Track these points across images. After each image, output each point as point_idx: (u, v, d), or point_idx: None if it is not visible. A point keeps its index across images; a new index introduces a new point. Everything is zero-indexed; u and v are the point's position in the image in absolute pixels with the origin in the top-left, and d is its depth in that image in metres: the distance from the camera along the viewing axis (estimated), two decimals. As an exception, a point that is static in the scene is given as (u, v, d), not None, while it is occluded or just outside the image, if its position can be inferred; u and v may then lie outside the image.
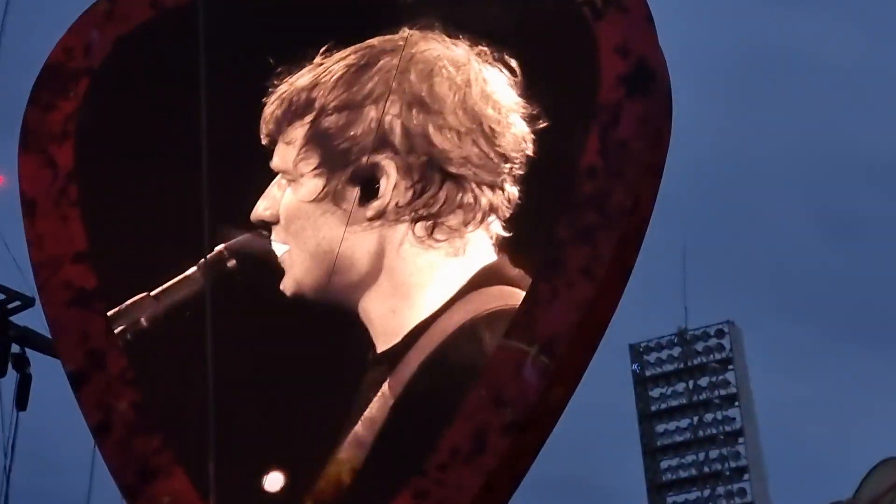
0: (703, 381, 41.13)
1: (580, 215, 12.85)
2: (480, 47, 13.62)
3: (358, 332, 13.32)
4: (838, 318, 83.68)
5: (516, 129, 13.31)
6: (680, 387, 41.32)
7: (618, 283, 12.90)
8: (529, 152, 13.23)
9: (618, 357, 40.31)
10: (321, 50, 14.16)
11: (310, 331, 13.53)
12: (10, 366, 23.94)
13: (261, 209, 13.86)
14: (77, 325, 14.02)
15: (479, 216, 13.14)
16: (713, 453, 40.55)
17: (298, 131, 13.90)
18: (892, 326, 73.22)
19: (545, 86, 13.51)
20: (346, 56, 14.08)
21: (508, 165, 13.22)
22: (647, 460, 41.12)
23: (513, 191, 13.14)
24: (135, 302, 13.91)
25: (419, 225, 13.25)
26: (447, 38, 13.77)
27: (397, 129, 13.49)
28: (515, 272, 12.96)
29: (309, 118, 13.93)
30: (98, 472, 14.31)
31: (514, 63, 13.48)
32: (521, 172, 13.18)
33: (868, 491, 33.93)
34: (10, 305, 24.09)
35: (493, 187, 13.16)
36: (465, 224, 13.14)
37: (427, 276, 13.27)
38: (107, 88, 15.05)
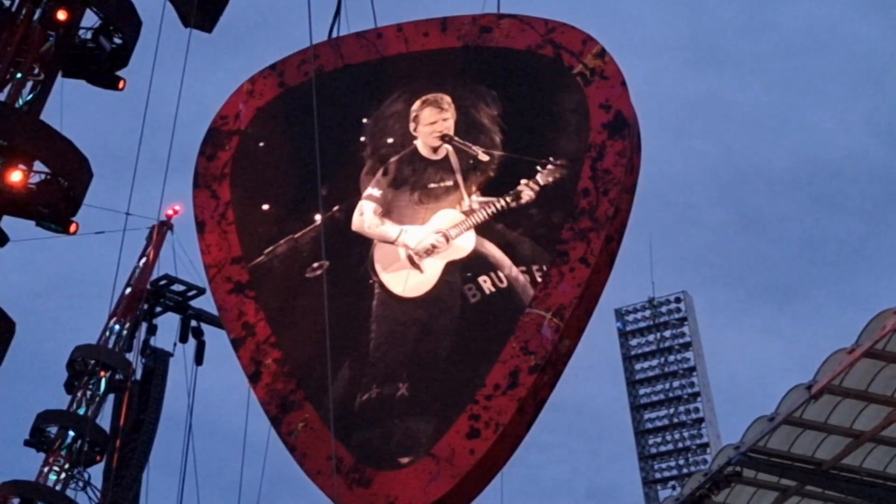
0: (667, 334, 40.83)
1: (579, 222, 12.93)
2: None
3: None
4: (756, 285, 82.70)
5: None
6: (651, 338, 41.02)
7: (606, 268, 12.97)
8: (541, 180, 13.32)
9: (607, 318, 40.07)
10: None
11: None
12: (190, 334, 24.49)
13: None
14: (235, 307, 14.13)
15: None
16: (675, 383, 40.23)
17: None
18: (791, 289, 72.83)
19: (555, 133, 13.67)
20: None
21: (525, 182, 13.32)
22: (630, 389, 40.81)
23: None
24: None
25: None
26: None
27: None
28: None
29: None
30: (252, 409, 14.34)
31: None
32: (531, 195, 13.30)
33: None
34: (189, 294, 24.67)
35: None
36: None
37: None
38: (251, 143, 15.18)
